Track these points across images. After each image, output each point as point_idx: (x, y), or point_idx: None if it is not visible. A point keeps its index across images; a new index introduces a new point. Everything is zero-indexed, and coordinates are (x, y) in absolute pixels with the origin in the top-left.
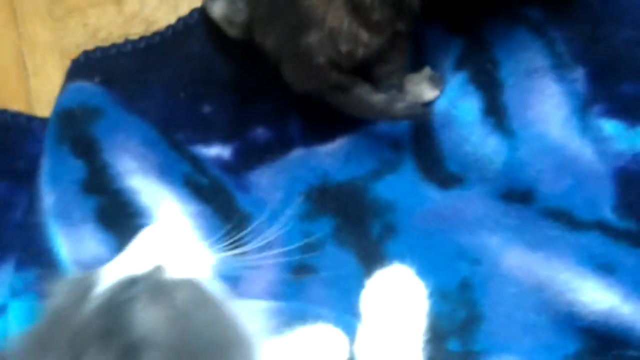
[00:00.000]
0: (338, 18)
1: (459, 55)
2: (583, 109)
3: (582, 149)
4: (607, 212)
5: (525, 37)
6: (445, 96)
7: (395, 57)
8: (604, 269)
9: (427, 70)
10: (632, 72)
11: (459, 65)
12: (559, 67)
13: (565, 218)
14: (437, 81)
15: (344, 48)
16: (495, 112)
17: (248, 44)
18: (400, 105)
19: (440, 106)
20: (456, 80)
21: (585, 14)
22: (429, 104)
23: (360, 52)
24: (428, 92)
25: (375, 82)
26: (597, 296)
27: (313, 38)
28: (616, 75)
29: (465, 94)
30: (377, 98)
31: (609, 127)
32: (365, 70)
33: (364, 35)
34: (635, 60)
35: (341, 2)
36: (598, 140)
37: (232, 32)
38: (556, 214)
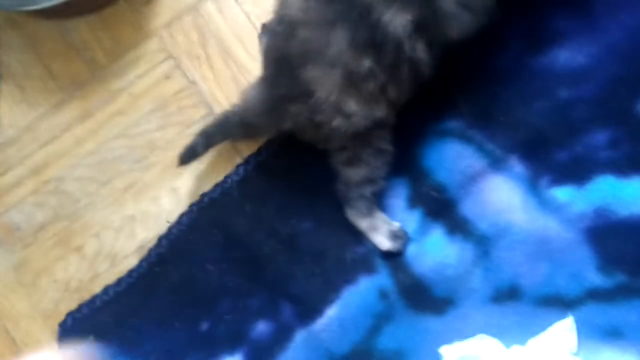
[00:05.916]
0: (329, 89)
1: (409, 195)
2: (533, 187)
3: (547, 224)
4: (594, 277)
5: (456, 148)
6: (411, 238)
7: (371, 159)
8: (612, 335)
9: (395, 224)
10: (557, 138)
11: (411, 205)
12: (496, 162)
13: (556, 302)
14: (400, 238)
15: (318, 118)
16: (460, 227)
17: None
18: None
19: (410, 248)
20: (414, 219)
21: (497, 107)
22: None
23: (336, 123)
24: (386, 242)
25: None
26: None
27: (294, 108)
28: (545, 146)
29: (427, 230)
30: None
31: (561, 194)
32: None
33: (351, 105)
34: (555, 126)
35: (339, 75)
36: (557, 209)
37: None
38: (547, 300)
